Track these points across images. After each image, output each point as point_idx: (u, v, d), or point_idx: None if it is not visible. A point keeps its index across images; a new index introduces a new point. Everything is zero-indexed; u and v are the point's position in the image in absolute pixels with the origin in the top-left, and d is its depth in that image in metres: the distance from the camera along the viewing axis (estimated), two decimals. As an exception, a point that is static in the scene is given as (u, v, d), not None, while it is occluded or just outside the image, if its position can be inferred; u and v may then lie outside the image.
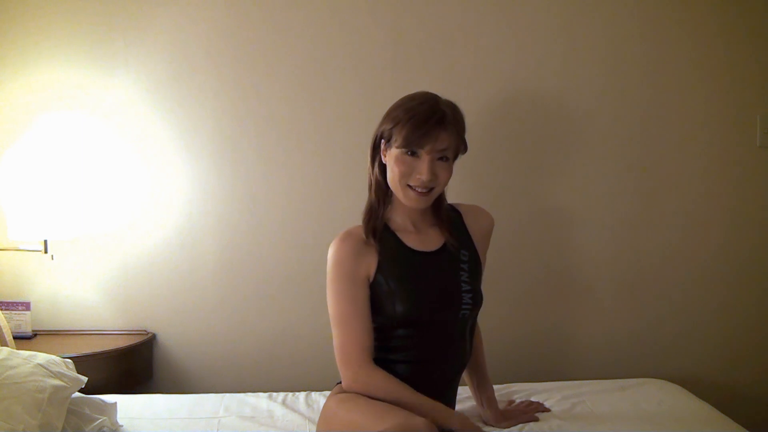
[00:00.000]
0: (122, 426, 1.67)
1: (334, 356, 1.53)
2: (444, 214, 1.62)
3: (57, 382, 1.54)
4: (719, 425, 1.66)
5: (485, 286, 1.66)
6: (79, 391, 1.66)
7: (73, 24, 2.15)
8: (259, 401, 1.90)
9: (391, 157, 1.52)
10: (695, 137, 2.21)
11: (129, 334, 2.20)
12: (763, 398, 2.25)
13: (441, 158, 1.49)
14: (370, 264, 1.54)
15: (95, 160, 2.18)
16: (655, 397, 1.87)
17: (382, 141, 1.55)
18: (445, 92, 2.16)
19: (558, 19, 2.17)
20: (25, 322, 2.13)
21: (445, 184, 1.53)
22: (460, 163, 1.60)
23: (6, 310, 2.12)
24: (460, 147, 1.55)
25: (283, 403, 1.88)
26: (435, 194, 1.53)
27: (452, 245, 1.59)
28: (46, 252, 2.11)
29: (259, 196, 2.20)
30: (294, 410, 1.83)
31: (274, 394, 1.96)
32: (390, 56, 2.16)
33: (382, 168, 1.58)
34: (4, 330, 1.91)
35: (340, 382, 1.59)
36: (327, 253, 1.59)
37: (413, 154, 1.48)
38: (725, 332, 2.25)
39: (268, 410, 1.83)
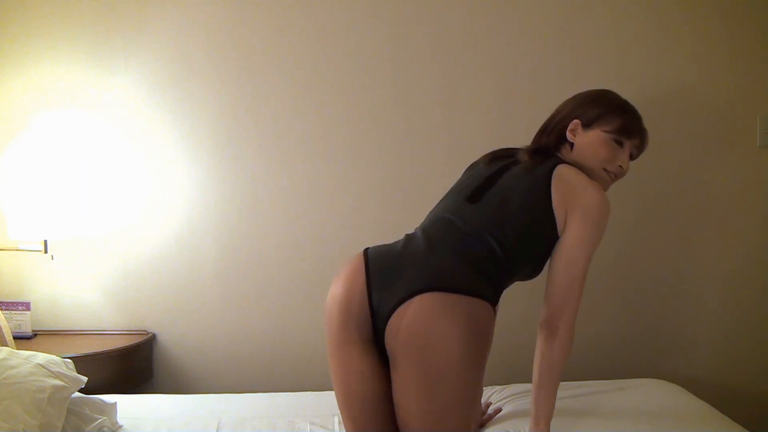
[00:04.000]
0: (122, 426, 1.67)
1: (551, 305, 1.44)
2: None
3: (57, 382, 1.54)
4: (719, 425, 1.66)
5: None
6: (79, 391, 1.66)
7: (73, 23, 2.15)
8: (259, 401, 1.90)
9: (592, 137, 1.56)
10: (695, 137, 2.21)
11: (129, 334, 2.20)
12: (763, 398, 2.25)
13: (630, 154, 1.60)
14: None
15: (95, 160, 2.18)
16: (655, 397, 1.86)
17: (575, 121, 1.58)
18: (446, 92, 2.18)
19: (557, 19, 2.17)
20: (25, 322, 2.13)
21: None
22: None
23: (6, 310, 2.12)
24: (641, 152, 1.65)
25: (283, 403, 1.88)
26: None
27: None
28: (46, 252, 2.11)
29: (260, 195, 2.20)
30: (294, 411, 1.83)
31: (274, 394, 1.96)
32: (390, 56, 2.17)
33: (557, 141, 1.61)
34: (4, 330, 1.91)
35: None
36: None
37: (619, 143, 1.56)
38: (725, 332, 2.25)
39: (268, 410, 1.83)
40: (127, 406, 1.77)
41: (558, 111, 1.65)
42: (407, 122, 2.19)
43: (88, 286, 2.22)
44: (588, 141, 1.56)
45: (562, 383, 1.97)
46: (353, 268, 1.42)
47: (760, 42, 2.19)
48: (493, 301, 1.41)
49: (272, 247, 2.21)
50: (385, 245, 1.48)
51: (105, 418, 1.63)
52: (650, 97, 2.20)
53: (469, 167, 1.70)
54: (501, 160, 1.60)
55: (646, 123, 2.21)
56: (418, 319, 1.31)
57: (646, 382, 2.01)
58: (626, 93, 2.18)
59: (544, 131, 1.66)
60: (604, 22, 2.18)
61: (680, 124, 2.21)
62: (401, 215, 2.17)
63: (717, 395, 2.04)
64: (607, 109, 1.57)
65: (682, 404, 1.82)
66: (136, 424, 1.70)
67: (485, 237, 1.43)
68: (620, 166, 1.56)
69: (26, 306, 2.14)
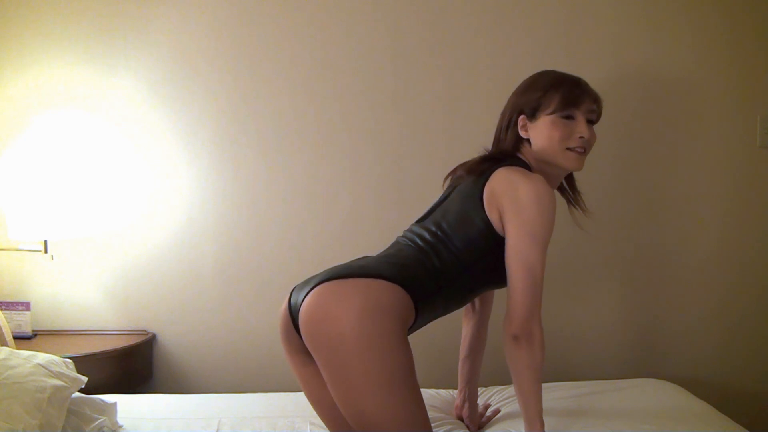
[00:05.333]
0: (122, 426, 1.67)
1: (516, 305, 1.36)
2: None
3: (57, 382, 1.54)
4: (719, 425, 1.66)
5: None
6: (79, 391, 1.66)
7: (73, 24, 2.15)
8: (259, 401, 1.90)
9: (541, 126, 1.50)
10: (695, 137, 2.21)
11: (129, 334, 2.20)
12: (763, 398, 2.25)
13: (588, 121, 1.52)
14: None
15: (95, 160, 2.18)
16: (655, 397, 1.86)
17: (521, 116, 1.53)
18: (447, 91, 2.18)
19: (559, 18, 2.17)
20: (25, 322, 2.13)
21: (592, 146, 1.54)
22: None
23: (6, 310, 2.12)
24: (599, 112, 1.57)
25: (283, 403, 1.88)
26: (586, 156, 1.53)
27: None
28: (46, 252, 2.11)
29: (260, 195, 2.20)
30: (294, 411, 1.83)
31: (274, 394, 1.96)
32: (391, 56, 2.17)
33: (515, 143, 1.55)
34: (4, 330, 1.91)
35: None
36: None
37: (568, 117, 1.49)
38: (725, 332, 2.25)
39: (268, 410, 1.83)
40: (127, 406, 1.77)
41: (503, 114, 1.60)
42: (407, 123, 2.19)
43: (88, 286, 2.22)
44: (539, 131, 1.50)
45: (561, 383, 1.99)
46: (284, 303, 1.48)
47: (760, 41, 2.19)
48: (410, 288, 1.35)
49: (272, 247, 2.21)
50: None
51: (105, 418, 1.63)
52: (650, 97, 2.20)
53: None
54: (455, 177, 1.58)
55: (647, 122, 2.22)
56: (313, 308, 1.33)
57: (646, 382, 2.01)
58: (626, 93, 2.20)
59: (497, 140, 1.60)
60: (603, 22, 2.18)
61: (680, 124, 2.21)
62: (400, 215, 2.17)
63: (717, 395, 2.05)
64: (542, 91, 1.50)
65: (682, 404, 1.82)
66: (136, 424, 1.70)
67: (423, 248, 1.44)
68: (581, 137, 1.48)
69: (26, 306, 2.14)
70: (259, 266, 2.21)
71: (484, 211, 1.42)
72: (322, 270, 1.48)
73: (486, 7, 2.16)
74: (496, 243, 1.42)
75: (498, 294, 1.71)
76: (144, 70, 2.17)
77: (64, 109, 2.17)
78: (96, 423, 1.59)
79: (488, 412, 1.80)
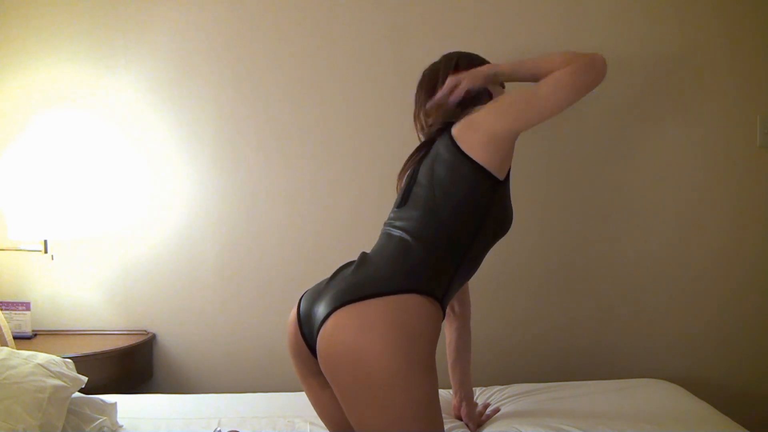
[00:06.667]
0: (122, 426, 1.67)
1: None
2: None
3: (57, 382, 1.54)
4: (719, 425, 1.66)
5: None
6: (79, 391, 1.66)
7: (73, 23, 2.15)
8: (259, 401, 1.90)
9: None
10: (695, 137, 2.21)
11: (129, 334, 2.20)
12: (763, 398, 2.25)
13: None
14: None
15: (96, 160, 2.18)
16: (655, 397, 1.86)
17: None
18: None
19: (556, 22, 2.16)
20: (25, 322, 2.13)
21: None
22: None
23: (6, 310, 2.12)
24: None
25: (283, 403, 1.88)
26: None
27: None
28: (46, 252, 2.11)
29: (260, 195, 2.20)
30: (294, 411, 1.83)
31: (274, 394, 1.96)
32: (391, 56, 2.17)
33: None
34: (4, 330, 1.91)
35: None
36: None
37: None
38: (725, 332, 2.25)
39: (268, 410, 1.83)
40: (127, 406, 1.77)
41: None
42: (407, 122, 2.18)
43: (88, 286, 2.22)
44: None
45: (561, 383, 1.99)
46: (291, 318, 1.44)
47: (760, 42, 2.19)
48: (429, 288, 1.33)
49: (272, 247, 2.21)
50: (319, 282, 1.45)
51: (105, 418, 1.63)
52: (650, 97, 2.20)
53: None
54: (416, 154, 1.58)
55: (646, 122, 2.23)
56: (335, 339, 1.26)
57: (646, 382, 2.01)
58: (625, 93, 2.20)
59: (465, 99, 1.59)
60: (601, 21, 2.17)
61: (680, 124, 2.21)
62: (401, 215, 2.17)
63: (717, 395, 2.04)
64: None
65: (682, 404, 1.82)
66: (136, 424, 1.70)
67: (420, 232, 1.39)
68: None
69: (26, 306, 2.14)
70: (259, 266, 2.21)
71: (472, 160, 1.39)
72: (322, 269, 1.47)
73: (488, 8, 2.16)
74: (494, 185, 1.41)
75: (476, 296, 1.72)
76: (144, 70, 2.17)
77: (64, 109, 2.17)
78: (96, 423, 1.60)
79: (488, 411, 1.80)
